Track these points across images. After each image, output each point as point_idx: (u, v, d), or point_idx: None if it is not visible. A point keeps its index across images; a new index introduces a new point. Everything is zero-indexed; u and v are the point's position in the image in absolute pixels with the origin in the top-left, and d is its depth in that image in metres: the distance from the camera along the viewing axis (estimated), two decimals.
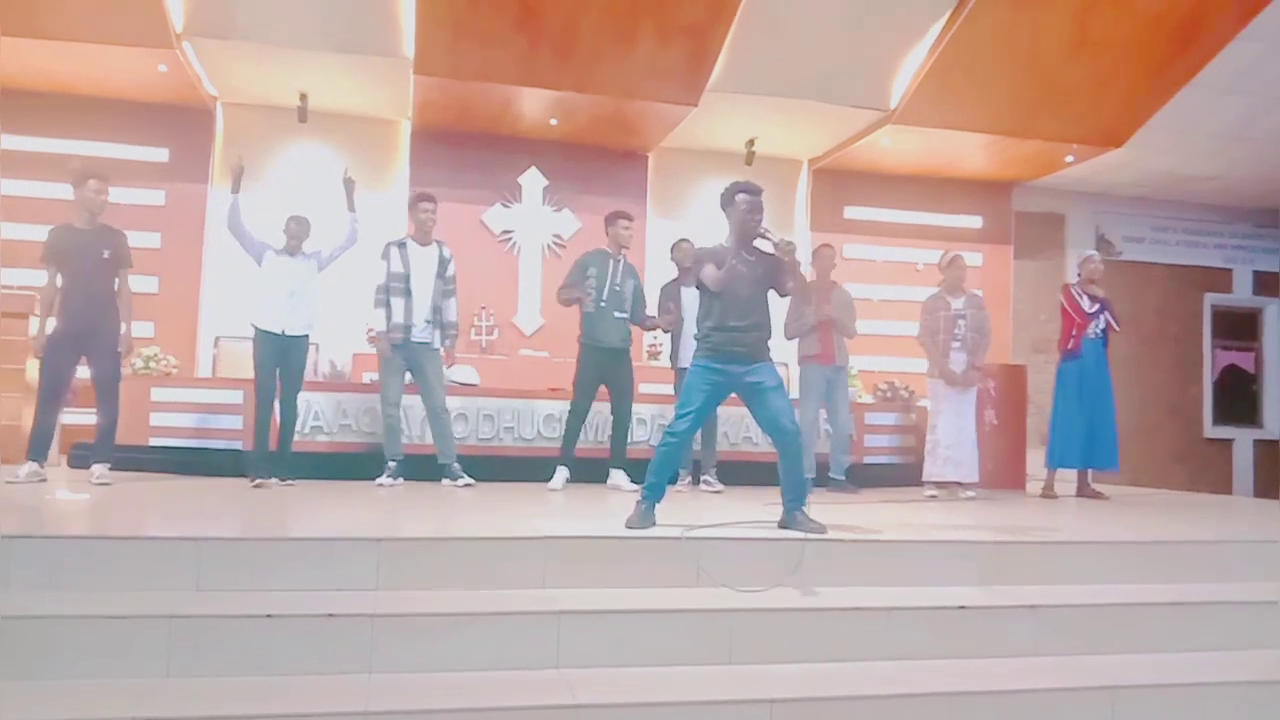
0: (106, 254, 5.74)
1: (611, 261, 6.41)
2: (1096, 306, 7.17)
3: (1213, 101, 9.13)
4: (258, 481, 5.86)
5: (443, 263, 6.37)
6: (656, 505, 4.36)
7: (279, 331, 6.03)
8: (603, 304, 6.31)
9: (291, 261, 6.12)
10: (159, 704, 2.80)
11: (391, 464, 6.24)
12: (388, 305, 6.21)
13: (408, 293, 6.22)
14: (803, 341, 6.85)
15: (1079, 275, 7.36)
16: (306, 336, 6.18)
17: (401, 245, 6.33)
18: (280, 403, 6.14)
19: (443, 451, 6.33)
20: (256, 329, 6.07)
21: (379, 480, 6.17)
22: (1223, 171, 10.66)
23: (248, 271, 6.28)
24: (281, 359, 6.07)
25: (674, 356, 6.80)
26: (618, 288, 6.35)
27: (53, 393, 5.71)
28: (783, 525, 4.32)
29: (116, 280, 5.83)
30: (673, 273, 6.96)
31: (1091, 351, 7.12)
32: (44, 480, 5.64)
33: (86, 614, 3.11)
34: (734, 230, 4.55)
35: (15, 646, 2.98)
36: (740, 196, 4.51)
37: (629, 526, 4.15)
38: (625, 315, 6.41)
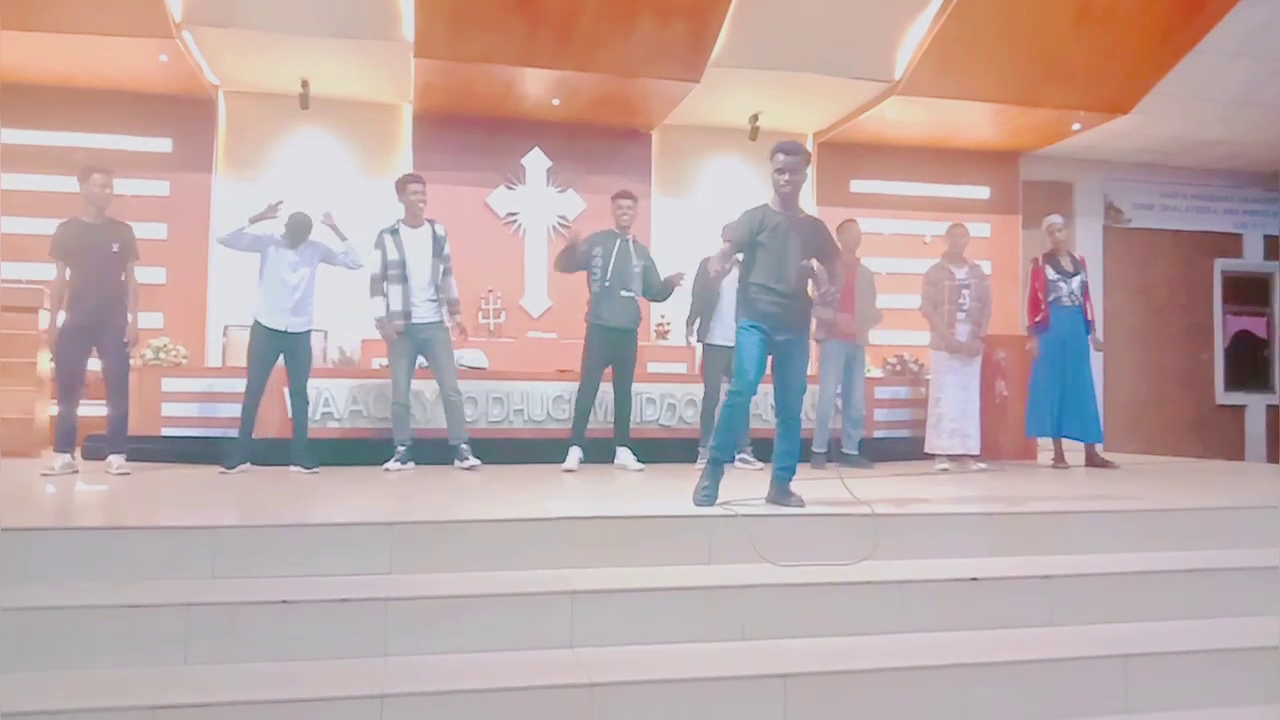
0: (115, 248, 5.78)
1: (619, 241, 6.39)
2: (1060, 276, 7.04)
3: (1220, 66, 9.02)
4: (230, 469, 5.95)
5: (438, 241, 6.36)
6: (721, 479, 4.36)
7: (282, 329, 6.07)
8: (608, 283, 6.30)
9: (294, 258, 6.13)
10: (178, 692, 2.82)
11: (400, 449, 6.26)
12: (384, 294, 6.22)
13: (404, 279, 6.22)
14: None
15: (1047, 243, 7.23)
16: (309, 332, 6.22)
17: (394, 231, 6.33)
18: (290, 394, 6.18)
19: (454, 433, 6.35)
20: (259, 324, 6.10)
21: (387, 465, 6.20)
22: (1231, 136, 10.55)
23: (254, 262, 6.28)
24: (283, 353, 6.12)
25: (701, 331, 6.72)
26: (622, 266, 6.32)
27: (69, 386, 5.76)
28: (769, 500, 4.37)
29: (124, 273, 5.86)
30: (690, 253, 6.96)
31: (1066, 320, 7.02)
32: (76, 471, 5.73)
33: (105, 604, 3.14)
34: (773, 190, 4.53)
35: (35, 638, 3.01)
36: (776, 156, 4.47)
37: (696, 503, 4.23)
38: (632, 294, 6.38)
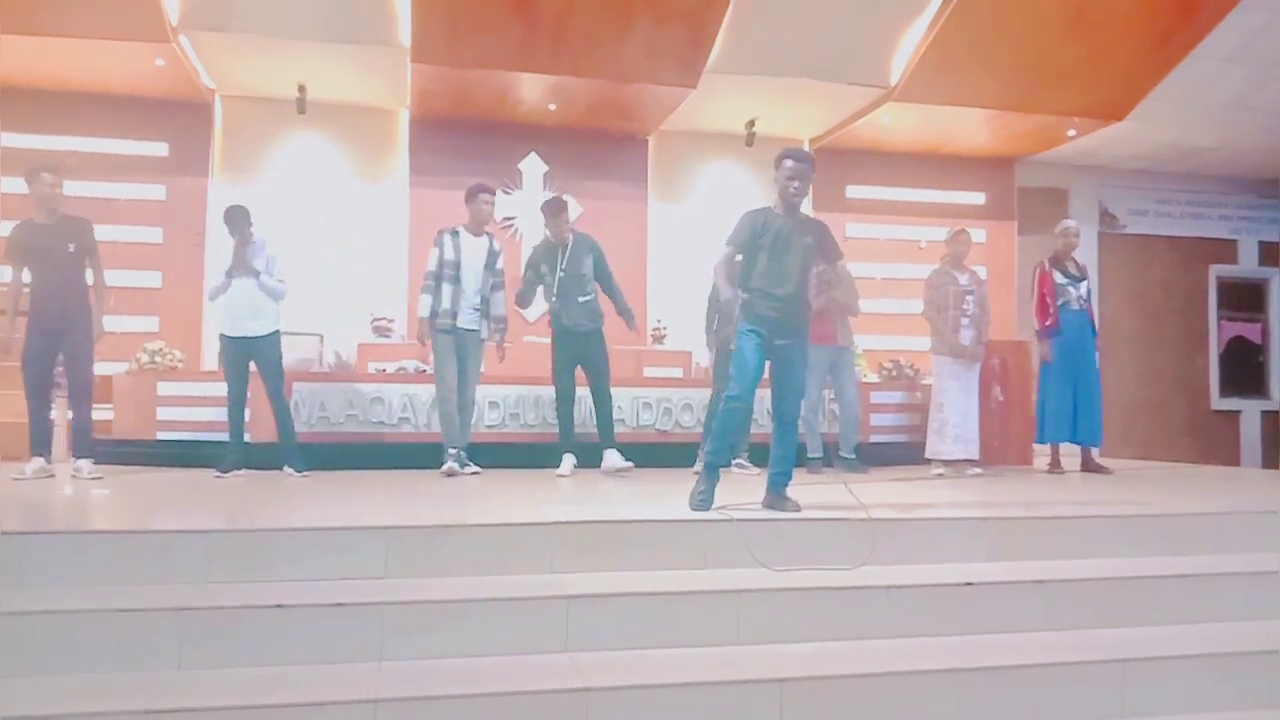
0: (72, 248, 5.70)
1: (559, 250, 6.39)
2: (1068, 280, 7.06)
3: (1215, 72, 9.05)
4: (224, 473, 5.93)
5: (492, 254, 6.40)
6: (717, 484, 4.35)
7: (242, 335, 6.08)
8: (554, 297, 6.33)
9: (244, 278, 6.08)
10: (172, 697, 2.81)
11: (452, 451, 6.19)
12: (436, 291, 6.22)
13: (457, 280, 6.25)
14: None
15: (1056, 247, 7.22)
16: (276, 333, 6.20)
17: (454, 233, 6.35)
18: (269, 399, 6.16)
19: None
20: (222, 334, 6.15)
21: (445, 467, 6.09)
22: (1226, 142, 10.58)
23: None
24: (252, 358, 6.12)
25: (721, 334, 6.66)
26: (564, 273, 6.31)
27: (38, 389, 5.72)
28: (765, 505, 4.37)
29: (89, 271, 5.80)
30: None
31: (1074, 325, 7.04)
32: (52, 476, 5.67)
33: (98, 608, 3.12)
34: (778, 195, 4.56)
35: (28, 642, 3.00)
36: (785, 163, 4.51)
37: (692, 508, 4.20)
38: (588, 298, 6.36)
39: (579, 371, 6.41)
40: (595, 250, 6.47)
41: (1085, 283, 7.12)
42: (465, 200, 6.43)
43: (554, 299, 6.34)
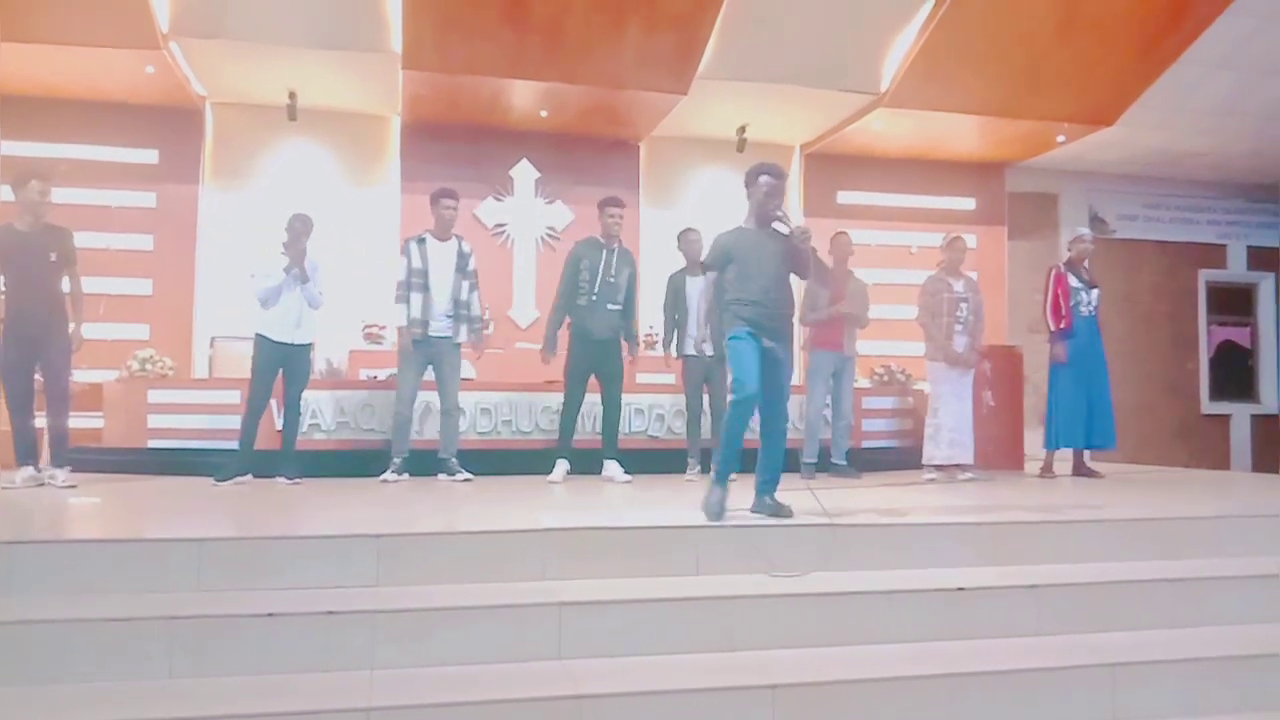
0: (53, 256, 5.64)
1: (605, 251, 6.37)
2: (1081, 285, 7.12)
3: (1205, 77, 9.10)
4: (223, 481, 5.85)
5: (462, 257, 6.37)
6: (728, 488, 4.24)
7: (286, 341, 6.04)
8: (594, 297, 6.29)
9: (295, 286, 6.06)
10: (162, 705, 2.80)
11: (396, 460, 6.24)
12: (407, 301, 6.21)
13: (425, 288, 6.23)
14: (814, 327, 6.88)
15: (1069, 253, 7.30)
16: (311, 344, 6.21)
17: (421, 241, 6.34)
18: (285, 404, 6.14)
19: (445, 447, 6.35)
20: (262, 337, 6.05)
21: (384, 476, 6.17)
22: (1216, 147, 10.64)
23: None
24: (285, 364, 6.08)
25: (678, 345, 6.74)
26: (612, 279, 6.32)
27: (20, 399, 5.67)
28: (753, 510, 4.33)
29: (67, 280, 5.75)
30: (678, 262, 6.93)
31: (1085, 329, 7.07)
32: (42, 485, 5.63)
33: (88, 617, 3.11)
34: (753, 211, 4.57)
35: (18, 651, 2.99)
36: (762, 179, 4.52)
37: (708, 515, 4.12)
38: (618, 307, 6.38)
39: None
40: (633, 266, 6.51)
41: (1097, 290, 7.18)
42: (430, 205, 6.43)
43: (593, 298, 6.28)
